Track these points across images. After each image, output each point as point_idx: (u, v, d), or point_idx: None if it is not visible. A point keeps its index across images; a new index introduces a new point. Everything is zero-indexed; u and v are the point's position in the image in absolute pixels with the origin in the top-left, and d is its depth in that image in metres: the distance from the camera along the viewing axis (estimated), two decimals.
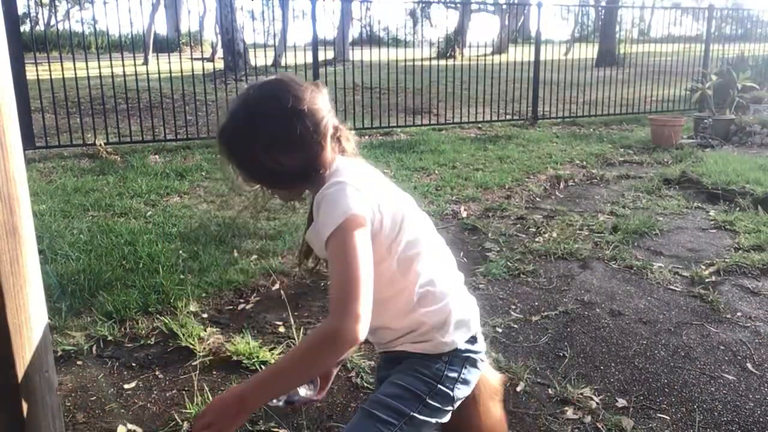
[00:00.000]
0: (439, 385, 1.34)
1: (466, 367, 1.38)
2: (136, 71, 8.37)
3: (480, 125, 9.31)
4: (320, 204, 1.22)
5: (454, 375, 1.36)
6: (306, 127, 1.26)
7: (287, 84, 1.30)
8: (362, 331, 1.11)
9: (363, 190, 1.23)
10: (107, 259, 3.63)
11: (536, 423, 2.28)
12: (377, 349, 1.50)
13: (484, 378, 1.48)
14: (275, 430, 2.23)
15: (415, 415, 1.30)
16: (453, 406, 1.38)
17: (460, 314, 1.39)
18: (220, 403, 1.11)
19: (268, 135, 1.25)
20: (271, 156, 1.26)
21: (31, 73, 7.11)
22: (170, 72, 7.58)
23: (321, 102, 1.31)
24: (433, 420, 1.34)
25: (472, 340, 1.42)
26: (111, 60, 7.33)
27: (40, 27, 19.45)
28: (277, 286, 3.43)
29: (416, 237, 1.36)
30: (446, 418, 1.38)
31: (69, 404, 2.39)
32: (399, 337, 1.39)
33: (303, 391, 1.41)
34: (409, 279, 1.35)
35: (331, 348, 1.12)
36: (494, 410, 1.50)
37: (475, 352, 1.41)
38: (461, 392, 1.38)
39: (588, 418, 2.29)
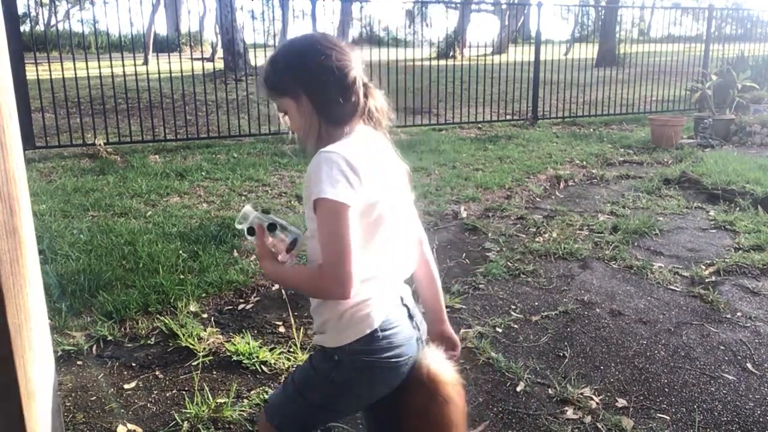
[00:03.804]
0: (334, 386, 1.40)
1: (356, 368, 1.36)
2: (136, 71, 8.37)
3: (480, 125, 9.31)
4: (318, 162, 1.29)
5: (342, 378, 1.38)
6: (334, 73, 1.37)
7: (325, 37, 1.46)
8: (345, 291, 1.26)
9: (356, 168, 1.29)
10: (107, 259, 3.63)
11: (536, 423, 2.28)
12: None
13: (420, 380, 1.41)
14: None
15: (310, 398, 1.43)
16: (351, 407, 1.49)
17: (363, 311, 1.35)
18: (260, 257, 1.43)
19: (308, 64, 1.38)
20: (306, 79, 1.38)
21: (31, 73, 7.11)
22: (170, 72, 7.57)
23: (355, 62, 1.42)
24: (335, 409, 1.47)
25: (371, 340, 1.35)
26: (111, 60, 7.33)
27: (40, 27, 19.44)
28: (277, 286, 3.43)
29: (378, 226, 1.36)
30: (350, 405, 1.47)
31: (69, 404, 2.39)
32: (318, 324, 1.44)
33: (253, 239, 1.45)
34: None
35: (320, 295, 1.39)
36: (431, 413, 1.41)
37: (370, 352, 1.35)
38: (359, 391, 1.41)
39: (588, 418, 2.29)
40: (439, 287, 1.60)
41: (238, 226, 1.46)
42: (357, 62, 1.42)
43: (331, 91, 1.37)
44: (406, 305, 1.44)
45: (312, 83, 1.37)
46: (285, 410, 1.48)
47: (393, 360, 1.37)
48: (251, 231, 1.43)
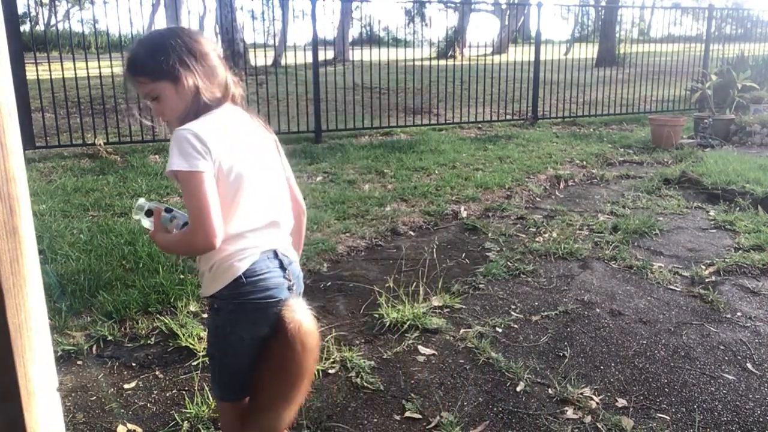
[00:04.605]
0: (214, 330, 1.64)
1: (229, 310, 1.57)
2: None
3: (480, 125, 9.31)
4: (172, 140, 1.48)
5: (221, 317, 1.59)
6: (209, 57, 1.58)
7: (189, 28, 1.66)
8: (210, 241, 1.46)
9: (203, 140, 1.47)
10: (107, 259, 3.63)
11: (536, 423, 2.28)
12: None
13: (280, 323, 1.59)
14: None
15: (215, 355, 1.68)
16: (243, 338, 1.60)
17: (228, 262, 1.55)
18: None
19: (174, 50, 1.53)
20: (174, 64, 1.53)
21: (31, 73, 7.11)
22: None
23: (211, 50, 1.59)
24: (236, 352, 1.63)
25: (237, 286, 1.55)
26: (111, 60, 7.33)
27: (40, 27, 19.45)
28: None
29: (239, 188, 1.54)
30: (246, 343, 1.62)
31: (69, 404, 2.39)
32: (200, 278, 1.66)
33: (148, 224, 1.66)
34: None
35: (191, 252, 1.64)
36: (281, 354, 1.59)
37: (239, 295, 1.55)
38: (238, 328, 1.59)
39: (588, 418, 2.29)
40: (299, 249, 1.81)
41: (135, 216, 1.67)
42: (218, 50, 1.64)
43: (209, 73, 1.56)
44: (279, 258, 1.62)
45: (195, 65, 1.54)
46: (216, 380, 1.74)
47: (260, 300, 1.57)
48: (149, 213, 1.64)
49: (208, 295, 1.60)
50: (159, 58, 1.51)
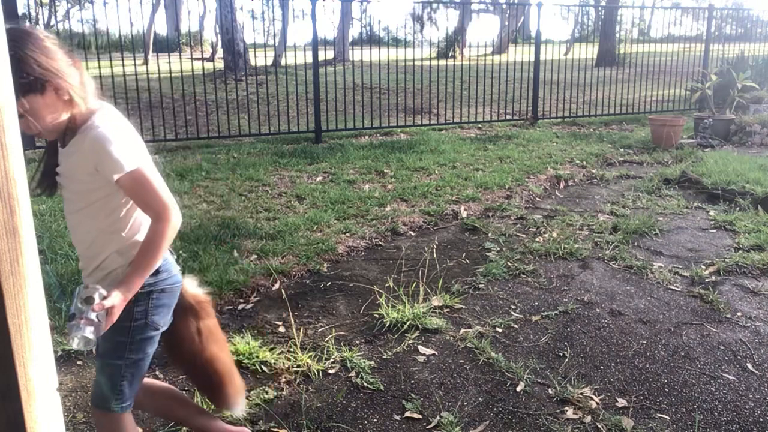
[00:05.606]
0: (133, 324, 1.62)
1: (152, 299, 1.63)
2: (136, 71, 8.37)
3: (480, 125, 9.32)
4: (96, 143, 1.45)
5: (142, 309, 1.62)
6: (65, 58, 1.48)
7: (25, 29, 1.48)
8: (179, 216, 1.56)
9: (130, 136, 1.53)
10: None
11: (536, 423, 2.28)
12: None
13: (188, 304, 1.78)
14: (275, 430, 2.24)
15: (129, 356, 1.64)
16: (159, 329, 1.68)
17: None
18: (119, 308, 1.49)
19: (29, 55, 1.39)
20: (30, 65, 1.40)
21: None
22: (170, 72, 7.58)
23: (59, 47, 1.49)
24: (148, 349, 1.68)
25: (157, 274, 1.63)
26: (111, 60, 7.33)
27: (40, 27, 19.46)
28: (277, 286, 3.44)
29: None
30: (157, 336, 1.70)
31: (69, 404, 2.39)
32: (101, 276, 1.62)
33: (90, 327, 1.46)
34: (124, 221, 1.59)
35: (170, 237, 1.55)
36: (189, 324, 1.78)
37: (159, 282, 1.64)
38: (159, 317, 1.67)
39: (588, 418, 2.29)
40: None
41: (76, 321, 1.47)
42: None
43: (69, 72, 1.47)
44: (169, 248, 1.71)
45: (56, 67, 1.43)
46: (117, 388, 1.66)
47: (173, 285, 1.69)
48: (89, 300, 1.49)
49: None
50: (28, 70, 1.36)
